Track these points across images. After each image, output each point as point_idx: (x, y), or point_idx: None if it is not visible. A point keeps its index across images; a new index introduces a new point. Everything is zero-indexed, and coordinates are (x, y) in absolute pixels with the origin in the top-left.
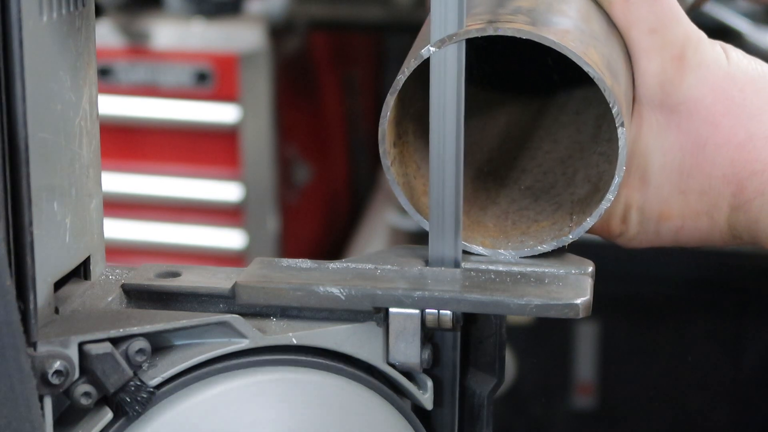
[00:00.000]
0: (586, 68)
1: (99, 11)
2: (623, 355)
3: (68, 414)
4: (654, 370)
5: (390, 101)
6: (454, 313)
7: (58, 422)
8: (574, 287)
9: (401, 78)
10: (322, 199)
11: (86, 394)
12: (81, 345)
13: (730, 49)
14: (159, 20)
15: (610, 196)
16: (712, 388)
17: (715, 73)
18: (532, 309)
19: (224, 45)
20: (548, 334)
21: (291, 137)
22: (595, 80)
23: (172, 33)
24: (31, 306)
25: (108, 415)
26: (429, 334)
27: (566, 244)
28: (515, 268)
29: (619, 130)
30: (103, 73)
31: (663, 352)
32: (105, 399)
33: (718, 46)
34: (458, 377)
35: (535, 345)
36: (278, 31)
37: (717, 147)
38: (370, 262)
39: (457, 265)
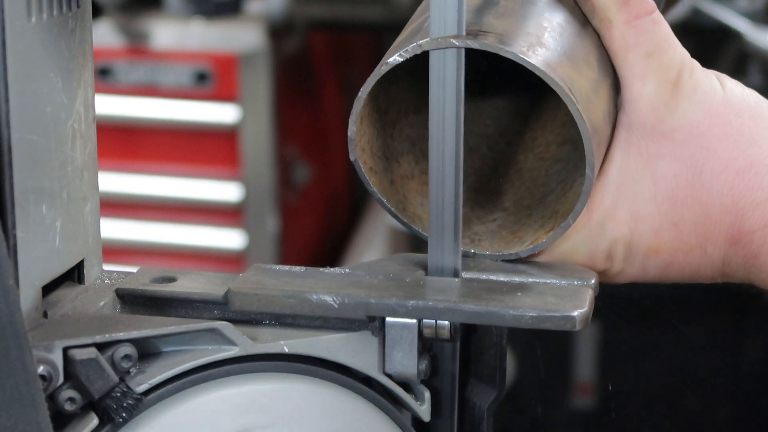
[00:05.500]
0: (568, 104)
1: (98, 11)
2: (623, 355)
3: (54, 420)
4: (654, 370)
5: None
6: (452, 324)
7: None
8: (573, 299)
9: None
10: (322, 199)
11: (71, 400)
12: (66, 350)
13: (725, 77)
14: (159, 20)
15: (570, 220)
16: (712, 388)
17: (712, 98)
18: (527, 320)
19: (224, 45)
20: (548, 334)
21: (291, 137)
22: (571, 111)
23: (171, 33)
24: None
25: (94, 421)
26: (427, 344)
27: (520, 257)
28: (516, 278)
29: (588, 162)
30: (103, 73)
31: (663, 352)
32: (92, 405)
33: (712, 74)
34: (457, 389)
35: (535, 345)
36: (278, 31)
37: (715, 174)
38: (368, 270)
39: (456, 274)
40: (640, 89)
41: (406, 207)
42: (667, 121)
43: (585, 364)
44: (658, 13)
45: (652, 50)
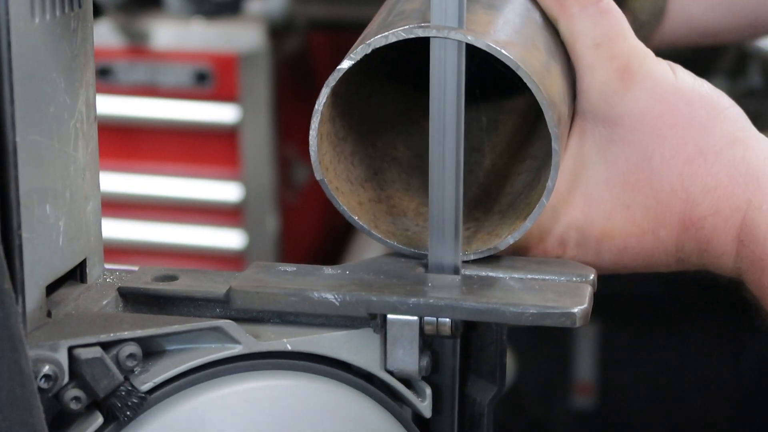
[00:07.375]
0: (523, 76)
1: (98, 11)
2: (623, 355)
3: (59, 419)
4: (654, 371)
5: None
6: (453, 321)
7: (49, 427)
8: (573, 295)
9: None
10: (322, 199)
11: (76, 399)
12: (71, 349)
13: (678, 67)
14: (159, 20)
15: (544, 200)
16: (712, 388)
17: (662, 86)
18: (528, 317)
19: (224, 45)
20: (548, 335)
21: (291, 137)
22: (529, 86)
23: (171, 33)
24: (21, 310)
25: (99, 419)
26: (428, 341)
27: (499, 250)
28: (516, 275)
29: (552, 134)
30: (103, 73)
31: (663, 353)
32: (96, 404)
33: (664, 63)
34: (458, 385)
35: (535, 345)
36: (278, 31)
37: (664, 160)
38: (369, 268)
39: (456, 271)
40: (590, 79)
41: (378, 225)
42: (618, 107)
43: (585, 364)
44: (607, 2)
45: (599, 40)
